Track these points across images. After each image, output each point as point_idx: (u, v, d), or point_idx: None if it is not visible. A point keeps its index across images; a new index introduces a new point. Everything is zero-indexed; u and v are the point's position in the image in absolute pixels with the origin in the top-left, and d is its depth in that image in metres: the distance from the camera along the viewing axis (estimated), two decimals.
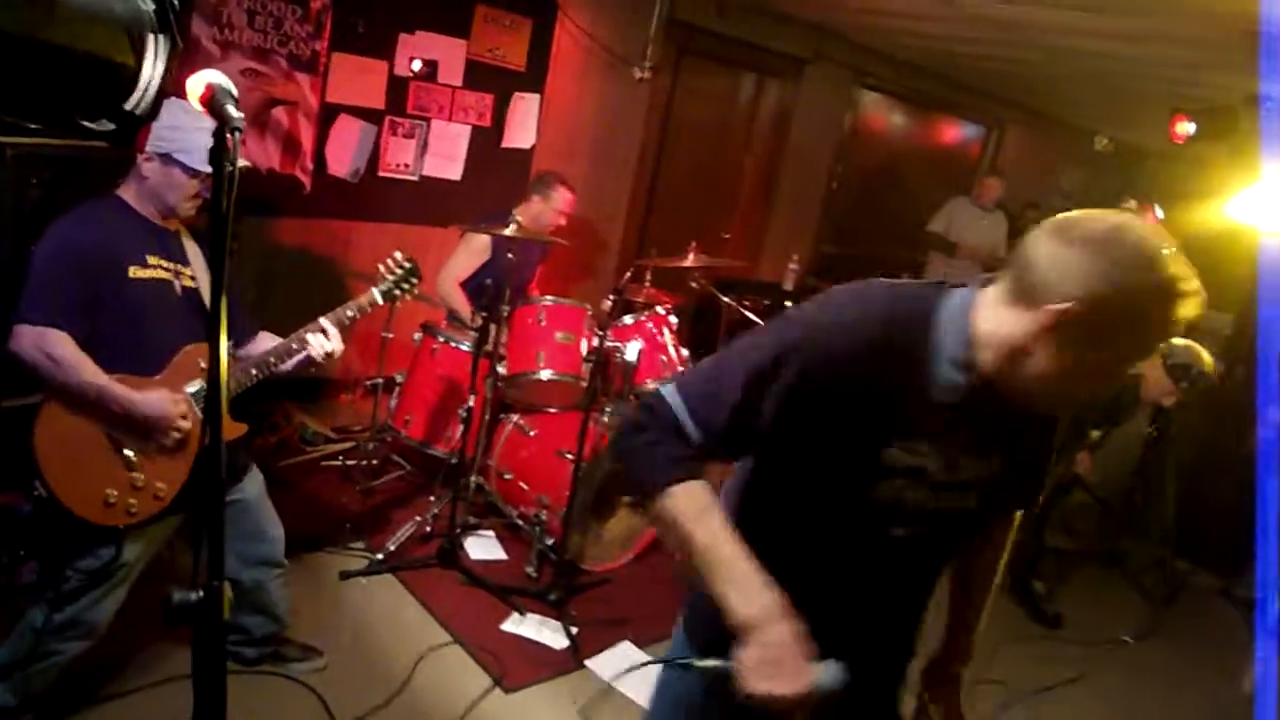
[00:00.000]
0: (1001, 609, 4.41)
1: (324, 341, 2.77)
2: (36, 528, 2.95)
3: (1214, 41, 4.47)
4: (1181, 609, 5.16)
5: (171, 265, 2.59)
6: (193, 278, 2.65)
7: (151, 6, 1.20)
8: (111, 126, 1.24)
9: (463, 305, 4.54)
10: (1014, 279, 1.47)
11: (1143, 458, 6.17)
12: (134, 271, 2.49)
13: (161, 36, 1.21)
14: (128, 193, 2.56)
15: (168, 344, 2.55)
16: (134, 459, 2.50)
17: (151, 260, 2.54)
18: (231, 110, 1.24)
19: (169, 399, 2.48)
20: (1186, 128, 5.21)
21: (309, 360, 2.77)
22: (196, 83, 1.33)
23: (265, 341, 2.83)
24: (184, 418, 2.51)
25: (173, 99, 1.37)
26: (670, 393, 1.61)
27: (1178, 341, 4.23)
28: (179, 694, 2.89)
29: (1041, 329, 1.41)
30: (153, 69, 1.21)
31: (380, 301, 3.08)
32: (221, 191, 1.23)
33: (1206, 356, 4.29)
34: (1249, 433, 5.20)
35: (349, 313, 2.91)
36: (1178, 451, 5.44)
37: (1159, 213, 6.07)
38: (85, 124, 1.24)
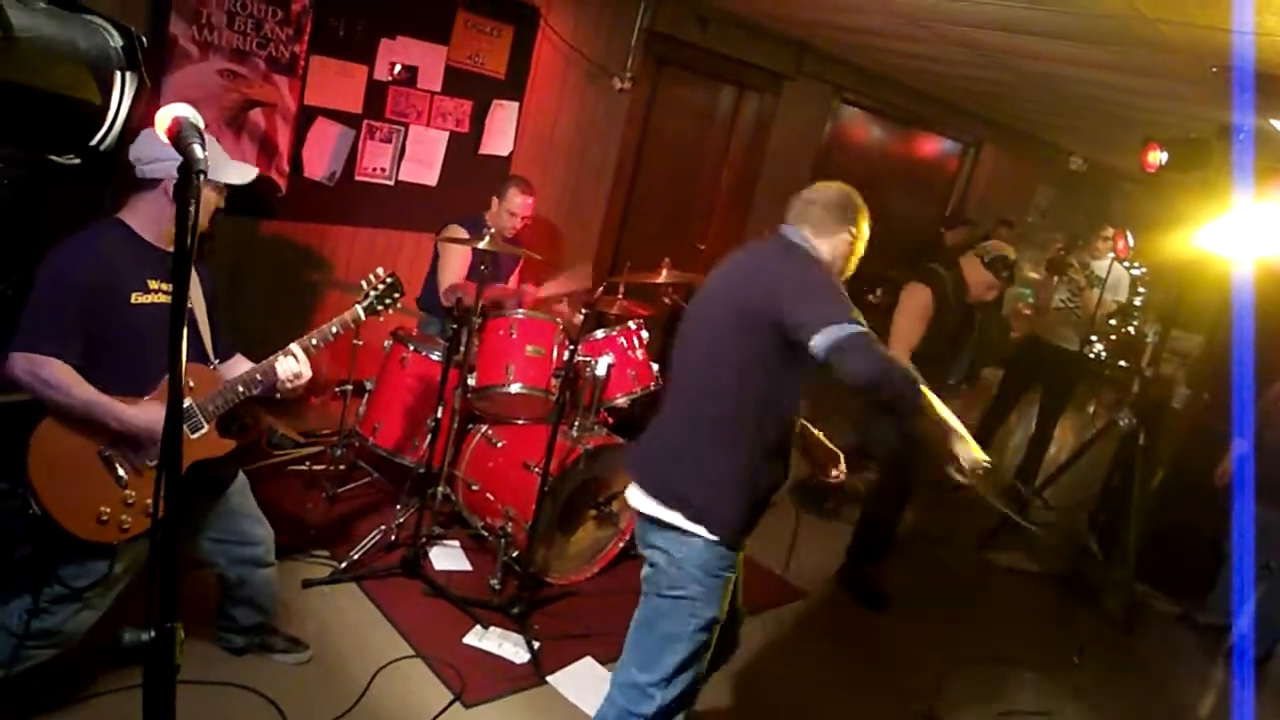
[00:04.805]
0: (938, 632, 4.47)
1: (292, 365, 2.78)
2: (29, 543, 2.93)
3: (1188, 74, 4.53)
4: (1141, 635, 5.21)
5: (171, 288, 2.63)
6: (189, 299, 2.69)
7: (119, 44, 1.20)
8: (77, 161, 1.23)
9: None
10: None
11: (1107, 481, 6.26)
12: (135, 298, 2.53)
13: (129, 74, 1.20)
14: (132, 217, 2.57)
15: (161, 365, 2.56)
16: (126, 476, 2.53)
17: (152, 285, 2.56)
18: (197, 150, 1.24)
19: (160, 413, 2.48)
20: (1159, 157, 5.27)
21: (275, 385, 2.79)
22: (164, 116, 1.32)
23: (240, 365, 2.85)
24: None
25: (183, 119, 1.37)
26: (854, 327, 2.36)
27: (988, 243, 4.78)
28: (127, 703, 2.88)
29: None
30: (119, 106, 1.20)
31: (363, 317, 3.09)
32: (186, 230, 1.23)
33: (1012, 253, 4.68)
34: (1216, 458, 5.25)
35: (333, 329, 2.93)
36: (1144, 476, 5.51)
37: (1130, 239, 6.14)
38: (53, 159, 1.23)
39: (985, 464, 2.62)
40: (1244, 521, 4.78)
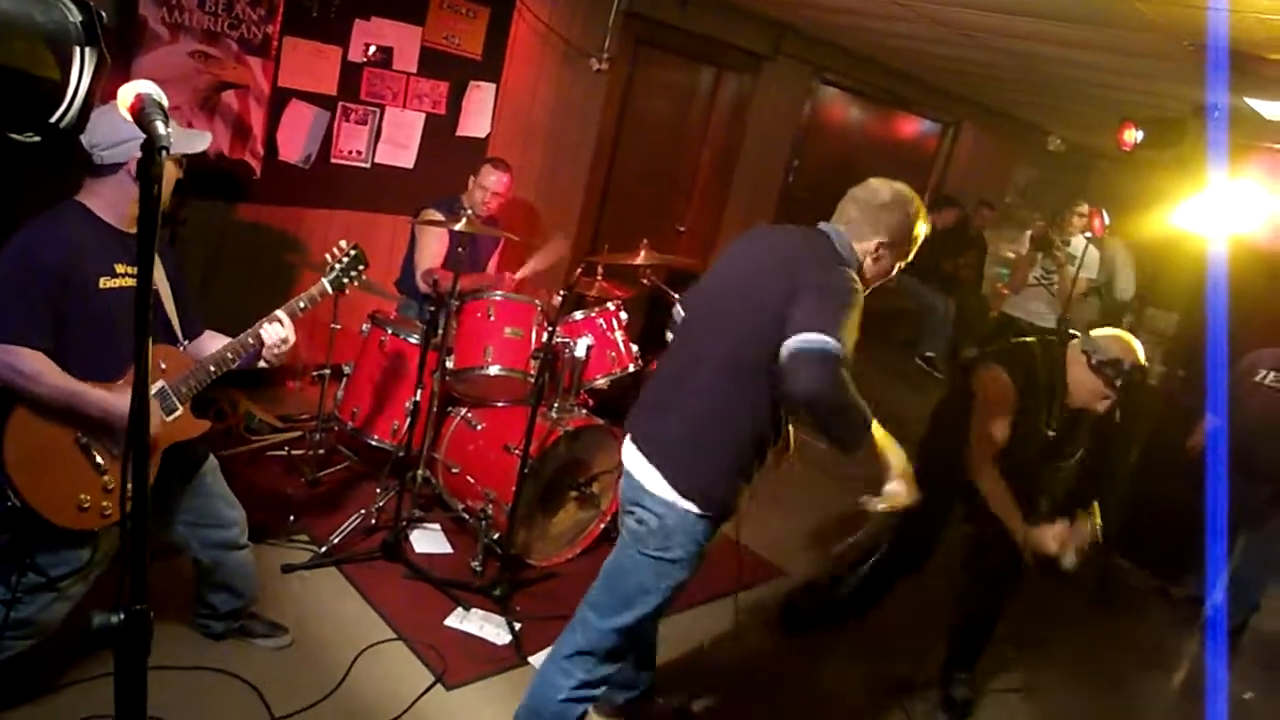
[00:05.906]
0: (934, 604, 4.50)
1: (279, 330, 2.76)
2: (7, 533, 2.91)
3: (1164, 53, 4.54)
4: (1118, 608, 5.27)
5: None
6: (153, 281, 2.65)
7: (78, 19, 1.17)
8: (37, 139, 1.21)
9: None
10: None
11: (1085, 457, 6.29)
12: (103, 283, 2.47)
13: (89, 50, 1.18)
14: (93, 200, 2.50)
15: (131, 349, 2.53)
16: (103, 462, 2.50)
17: (119, 269, 2.51)
18: (160, 127, 1.22)
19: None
20: (1134, 135, 5.30)
21: (260, 353, 2.77)
22: (126, 93, 1.30)
23: (213, 340, 2.82)
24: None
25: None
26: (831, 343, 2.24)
27: (1101, 333, 3.60)
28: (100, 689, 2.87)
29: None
30: (79, 83, 1.18)
31: (330, 291, 3.04)
32: (149, 210, 1.21)
33: (1138, 346, 3.53)
34: (1192, 433, 5.29)
35: (300, 304, 2.89)
36: (1119, 452, 5.54)
37: (1106, 218, 6.17)
38: (11, 136, 1.21)
39: (902, 504, 2.65)
40: (1217, 495, 4.82)
